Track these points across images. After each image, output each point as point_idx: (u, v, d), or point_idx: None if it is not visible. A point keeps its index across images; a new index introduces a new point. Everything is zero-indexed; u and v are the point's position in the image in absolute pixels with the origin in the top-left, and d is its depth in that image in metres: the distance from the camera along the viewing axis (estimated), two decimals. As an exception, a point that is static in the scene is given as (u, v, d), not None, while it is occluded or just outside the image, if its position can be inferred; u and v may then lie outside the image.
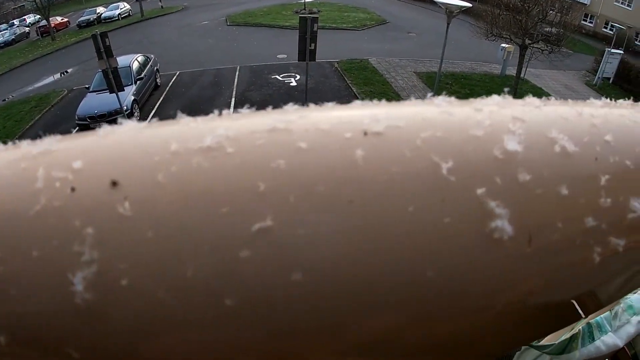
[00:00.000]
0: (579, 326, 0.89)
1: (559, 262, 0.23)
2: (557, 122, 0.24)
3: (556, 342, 0.88)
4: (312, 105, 0.24)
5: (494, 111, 0.23)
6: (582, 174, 0.22)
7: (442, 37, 10.27)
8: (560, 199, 0.21)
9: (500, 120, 0.22)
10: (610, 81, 19.23)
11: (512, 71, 15.74)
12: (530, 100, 0.26)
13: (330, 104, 0.24)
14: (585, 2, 31.28)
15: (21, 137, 11.40)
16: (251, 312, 0.16)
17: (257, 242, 0.16)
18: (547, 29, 15.30)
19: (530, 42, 14.19)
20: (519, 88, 14.45)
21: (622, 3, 30.29)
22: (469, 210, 0.19)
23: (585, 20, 31.08)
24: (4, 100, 17.52)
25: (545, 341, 0.91)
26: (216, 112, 0.23)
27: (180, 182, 0.16)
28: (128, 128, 0.21)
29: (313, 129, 0.19)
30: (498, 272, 0.20)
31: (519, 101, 0.26)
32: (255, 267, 0.16)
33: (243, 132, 0.19)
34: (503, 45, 15.94)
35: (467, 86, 15.47)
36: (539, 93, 16.02)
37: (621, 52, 19.67)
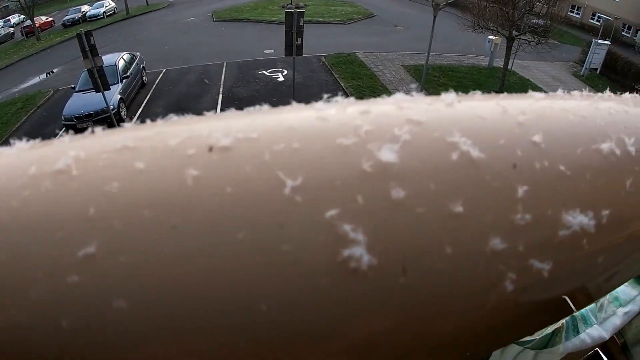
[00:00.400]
0: (562, 320, 0.86)
1: (450, 294, 0.19)
2: (465, 123, 0.20)
3: (538, 337, 0.86)
4: (192, 117, 0.21)
5: (385, 113, 0.20)
6: (489, 185, 0.19)
7: (429, 30, 10.27)
8: (451, 218, 0.18)
9: (387, 124, 0.19)
10: (598, 72, 19.42)
11: (499, 63, 15.78)
12: (446, 96, 0.23)
13: (209, 114, 0.21)
14: (572, -6, 31.51)
15: (8, 140, 10.81)
16: (85, 337, 0.16)
17: (82, 268, 0.15)
18: (534, 21, 15.37)
19: (517, 33, 14.26)
20: (506, 80, 14.52)
21: (608, -6, 30.51)
22: (314, 236, 0.16)
23: (573, 12, 31.29)
24: (-10, 102, 17.31)
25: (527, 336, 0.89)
26: (99, 128, 0.21)
27: (28, 207, 0.16)
28: (12, 150, 0.19)
29: (160, 147, 0.17)
30: (356, 306, 0.17)
31: (428, 99, 0.23)
32: (82, 293, 0.15)
33: (93, 152, 0.18)
34: (490, 37, 15.99)
35: (454, 78, 15.50)
36: (527, 84, 16.09)
37: (608, 43, 19.85)
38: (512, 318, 0.23)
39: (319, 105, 0.21)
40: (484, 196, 0.19)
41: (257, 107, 0.21)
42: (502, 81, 14.45)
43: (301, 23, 10.92)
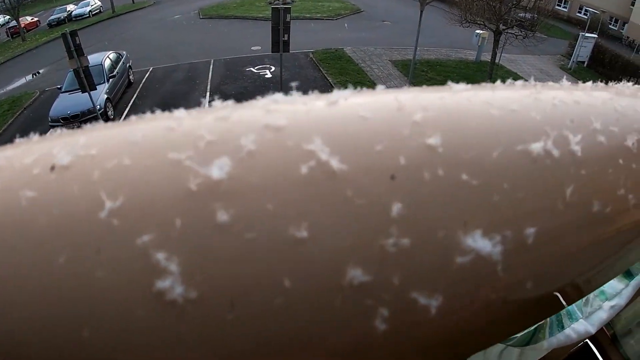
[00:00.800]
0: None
1: (295, 335, 0.16)
2: (338, 126, 0.17)
3: (519, 335, 0.83)
4: (64, 132, 0.19)
5: (244, 119, 0.17)
6: (350, 203, 0.16)
7: (417, 24, 10.29)
8: (292, 245, 0.15)
9: (237, 132, 0.16)
10: (585, 65, 19.61)
11: (487, 57, 15.87)
12: (337, 94, 0.19)
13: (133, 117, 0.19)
14: (559, -13, 31.72)
15: None
16: None
17: None
18: (521, 14, 15.44)
19: (504, 27, 14.32)
20: (494, 73, 14.57)
21: (595, -13, 30.76)
22: (129, 263, 0.14)
23: (560, 5, 31.50)
24: (-24, 105, 17.09)
25: None
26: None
27: None
28: None
29: (19, 165, 0.16)
30: (175, 341, 0.15)
31: (314, 98, 0.19)
32: None
33: None
34: (477, 31, 16.07)
35: (442, 73, 15.53)
36: (514, 78, 16.05)
37: (595, 36, 20.02)
38: (470, 329, 0.20)
39: (180, 113, 0.18)
40: (340, 217, 0.15)
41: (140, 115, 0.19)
42: (490, 75, 14.51)
43: (288, 19, 10.89)
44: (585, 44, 19.07)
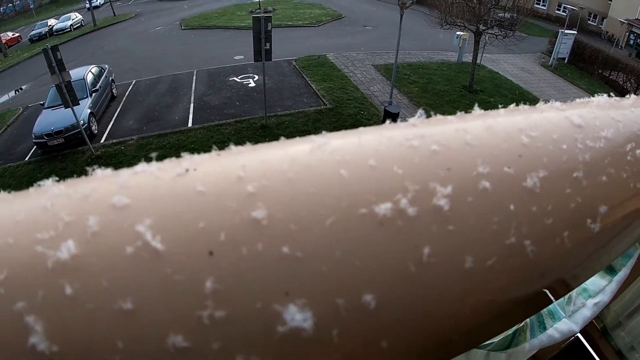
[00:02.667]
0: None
1: None
2: (167, 205, 0.18)
3: (496, 340, 0.83)
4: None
5: (96, 199, 0.18)
6: (169, 279, 0.17)
7: (398, 28, 10.32)
8: (121, 316, 0.16)
9: (86, 212, 0.18)
10: (566, 61, 19.91)
11: (468, 58, 15.98)
12: (184, 162, 0.20)
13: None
14: (537, -14, 32.19)
15: None
16: None
17: None
18: (501, 15, 15.59)
19: (484, 28, 14.44)
20: (476, 74, 14.71)
21: (573, -15, 31.26)
22: (7, 324, 0.16)
23: (539, 4, 31.98)
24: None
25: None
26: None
27: None
28: None
29: None
30: None
31: (168, 168, 0.20)
32: None
33: None
34: (458, 33, 16.20)
35: (425, 75, 15.64)
36: (496, 77, 16.38)
37: (575, 32, 20.34)
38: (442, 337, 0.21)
39: (58, 189, 0.19)
40: (160, 292, 0.17)
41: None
42: (472, 76, 14.64)
43: (269, 28, 10.86)
44: (565, 40, 19.38)
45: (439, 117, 0.26)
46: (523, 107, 0.30)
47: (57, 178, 0.21)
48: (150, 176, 0.19)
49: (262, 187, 0.19)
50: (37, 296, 0.16)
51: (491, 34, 14.71)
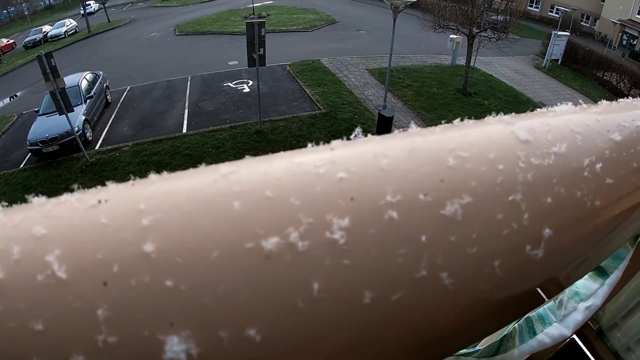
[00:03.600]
0: (512, 325, 0.83)
1: None
2: (91, 232, 0.19)
3: (483, 347, 0.82)
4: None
5: (22, 225, 0.20)
6: (70, 305, 0.18)
7: (391, 32, 10.33)
8: (34, 335, 0.18)
9: (7, 245, 0.19)
10: (559, 62, 20.03)
11: (462, 61, 16.07)
12: (107, 193, 0.21)
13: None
14: (530, -12, 32.38)
15: None
16: None
17: None
18: (494, 17, 15.63)
19: (477, 31, 14.49)
20: (470, 76, 14.78)
21: (565, -14, 31.47)
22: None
23: (532, 6, 32.18)
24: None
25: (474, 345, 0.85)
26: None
27: None
28: None
29: None
30: None
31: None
32: None
33: None
34: (451, 36, 16.28)
35: (419, 79, 15.69)
36: (490, 80, 16.44)
37: (567, 34, 20.48)
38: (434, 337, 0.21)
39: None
40: (63, 316, 0.18)
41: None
42: (466, 79, 14.71)
43: (262, 33, 10.84)
44: (558, 42, 19.51)
45: (369, 137, 0.25)
46: (467, 122, 0.28)
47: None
48: (69, 207, 0.20)
49: (156, 220, 0.19)
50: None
51: (484, 36, 14.75)
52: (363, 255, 0.20)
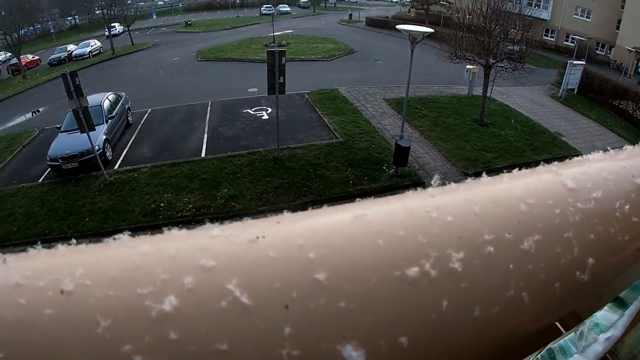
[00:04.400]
0: (534, 356, 0.85)
1: None
2: (248, 266, 0.23)
3: None
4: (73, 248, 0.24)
5: (183, 261, 0.22)
6: (255, 327, 0.22)
7: (409, 62, 10.40)
8: (217, 355, 0.21)
9: (180, 271, 0.22)
10: (575, 92, 19.95)
11: (478, 91, 16.12)
12: (248, 228, 0.25)
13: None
14: (546, 18, 32.66)
15: None
16: None
17: None
18: (510, 47, 15.71)
19: (494, 61, 14.57)
20: (486, 107, 14.83)
21: (580, 15, 31.70)
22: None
23: (547, 36, 32.36)
24: (-25, 140, 17.18)
25: None
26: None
27: None
28: None
29: (37, 286, 0.21)
30: None
31: (235, 233, 0.24)
32: None
33: None
34: (468, 66, 16.39)
35: (435, 109, 15.79)
36: (506, 110, 16.46)
37: (583, 62, 20.45)
38: None
39: (144, 246, 0.23)
40: (248, 337, 0.21)
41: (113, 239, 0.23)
42: (482, 109, 14.75)
43: (283, 62, 11.01)
44: (574, 71, 19.46)
45: (452, 185, 0.31)
46: (523, 171, 0.35)
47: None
48: (227, 241, 0.23)
49: (319, 254, 0.23)
50: (143, 340, 0.20)
51: (501, 67, 14.81)
52: (473, 280, 0.26)
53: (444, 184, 0.32)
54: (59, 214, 10.27)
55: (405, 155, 10.85)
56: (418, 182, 10.94)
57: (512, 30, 15.86)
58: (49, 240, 9.47)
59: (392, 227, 0.26)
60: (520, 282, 0.28)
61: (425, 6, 40.61)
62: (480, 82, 15.36)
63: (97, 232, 9.51)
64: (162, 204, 10.22)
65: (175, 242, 0.24)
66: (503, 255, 0.27)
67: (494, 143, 13.21)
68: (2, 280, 0.20)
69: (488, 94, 15.20)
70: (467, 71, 17.03)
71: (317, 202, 9.91)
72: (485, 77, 14.74)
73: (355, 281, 0.23)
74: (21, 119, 19.79)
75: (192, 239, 0.24)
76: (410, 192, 0.30)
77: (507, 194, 0.31)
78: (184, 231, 0.25)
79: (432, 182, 0.32)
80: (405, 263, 0.24)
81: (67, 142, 11.77)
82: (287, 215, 0.26)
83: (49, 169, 11.91)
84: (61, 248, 0.23)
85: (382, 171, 11.31)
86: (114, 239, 0.24)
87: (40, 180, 11.99)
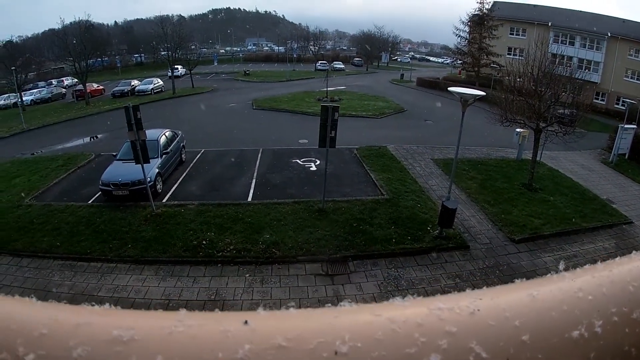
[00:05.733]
0: None
1: None
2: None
3: None
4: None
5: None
6: None
7: (458, 124, 10.41)
8: None
9: None
10: (626, 157, 19.20)
11: (528, 155, 15.89)
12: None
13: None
14: (596, 81, 32.16)
15: (44, 193, 11.92)
16: None
17: None
18: (561, 111, 15.43)
19: (544, 125, 14.33)
20: (535, 171, 14.56)
21: (631, 78, 31.04)
22: None
23: (597, 99, 31.73)
24: (32, 154, 18.44)
25: None
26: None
27: None
28: None
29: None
30: None
31: None
32: None
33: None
34: (518, 129, 16.25)
35: (483, 172, 15.63)
36: (556, 175, 16.08)
37: (634, 126, 19.80)
38: None
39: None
40: None
41: None
42: (532, 173, 14.49)
43: (336, 117, 11.10)
44: (625, 135, 18.81)
45: (533, 281, 0.37)
46: (586, 267, 0.40)
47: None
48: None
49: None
50: None
51: (551, 130, 14.49)
52: (607, 340, 0.33)
53: (566, 268, 0.39)
54: (102, 236, 10.57)
55: (451, 216, 10.68)
56: (463, 245, 10.71)
57: (563, 93, 15.67)
58: (88, 260, 9.93)
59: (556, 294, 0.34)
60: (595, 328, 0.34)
61: (476, 68, 41.05)
62: (530, 146, 15.10)
63: (136, 260, 9.72)
64: (204, 242, 10.32)
65: (265, 319, 0.28)
66: (618, 323, 0.34)
67: (542, 209, 12.88)
68: None
69: (538, 158, 14.90)
70: (516, 134, 16.87)
71: (359, 257, 9.87)
72: (535, 141, 14.44)
73: None
74: (79, 141, 20.98)
75: (278, 318, 0.29)
76: (549, 275, 0.37)
77: (572, 288, 0.36)
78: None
79: (559, 267, 0.40)
80: (569, 328, 0.32)
81: (121, 170, 12.28)
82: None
83: (100, 192, 12.36)
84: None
85: (426, 231, 11.15)
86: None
87: (89, 202, 12.42)
